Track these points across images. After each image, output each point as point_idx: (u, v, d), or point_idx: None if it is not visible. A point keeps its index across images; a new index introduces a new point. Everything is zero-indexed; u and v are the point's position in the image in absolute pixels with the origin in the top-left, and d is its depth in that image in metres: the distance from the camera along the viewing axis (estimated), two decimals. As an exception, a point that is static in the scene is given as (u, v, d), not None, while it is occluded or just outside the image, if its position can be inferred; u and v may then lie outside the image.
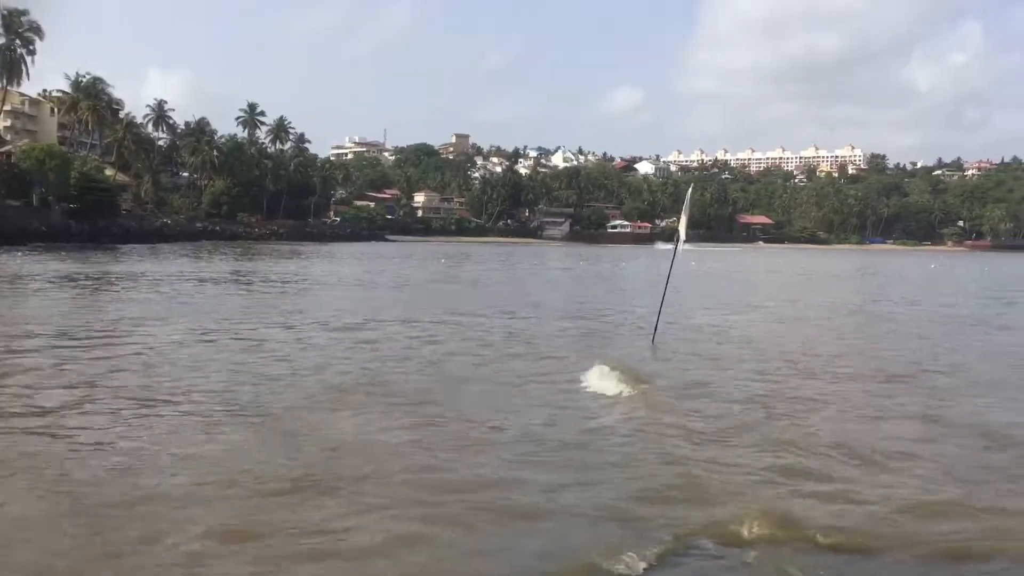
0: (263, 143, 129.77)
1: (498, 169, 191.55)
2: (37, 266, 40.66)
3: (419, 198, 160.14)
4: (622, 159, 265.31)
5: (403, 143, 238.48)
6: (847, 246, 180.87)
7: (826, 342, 20.92)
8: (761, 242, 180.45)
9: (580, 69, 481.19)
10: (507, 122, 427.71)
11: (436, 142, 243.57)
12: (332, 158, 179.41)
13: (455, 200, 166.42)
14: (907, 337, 22.22)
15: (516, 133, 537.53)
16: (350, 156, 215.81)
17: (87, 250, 58.82)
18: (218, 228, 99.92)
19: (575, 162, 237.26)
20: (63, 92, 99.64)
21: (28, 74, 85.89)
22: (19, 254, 49.52)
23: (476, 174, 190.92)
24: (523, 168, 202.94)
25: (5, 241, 56.27)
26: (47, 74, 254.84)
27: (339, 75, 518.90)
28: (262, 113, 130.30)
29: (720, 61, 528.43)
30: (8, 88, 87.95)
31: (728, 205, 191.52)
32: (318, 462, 8.91)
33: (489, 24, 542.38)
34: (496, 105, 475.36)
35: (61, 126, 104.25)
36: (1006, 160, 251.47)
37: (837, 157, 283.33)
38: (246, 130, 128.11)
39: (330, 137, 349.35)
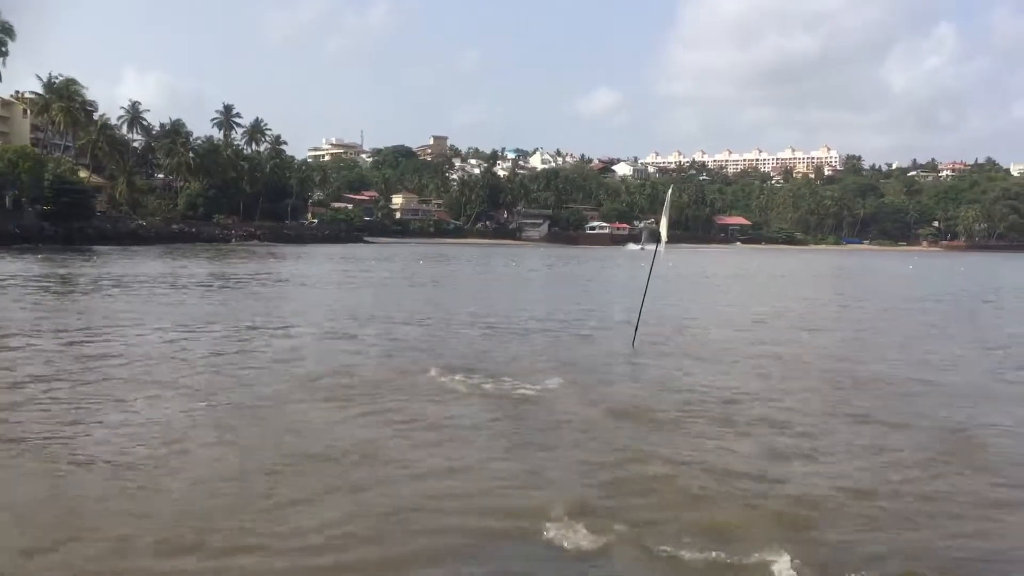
0: (239, 145, 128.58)
1: (476, 171, 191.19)
2: (10, 266, 40.06)
3: (397, 200, 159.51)
4: (600, 160, 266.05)
5: (380, 145, 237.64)
6: (824, 246, 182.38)
7: (802, 348, 20.99)
8: (739, 243, 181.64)
9: (557, 71, 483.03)
10: (485, 124, 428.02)
11: (414, 144, 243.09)
12: (309, 160, 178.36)
13: (433, 202, 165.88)
14: (881, 343, 22.36)
15: (494, 135, 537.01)
16: (327, 158, 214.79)
17: (61, 252, 58.03)
18: (194, 230, 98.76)
19: (553, 164, 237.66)
20: (36, 93, 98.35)
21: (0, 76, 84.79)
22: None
23: (454, 176, 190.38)
24: (501, 170, 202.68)
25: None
26: (19, 75, 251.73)
27: (315, 76, 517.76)
28: (238, 115, 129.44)
29: (697, 63, 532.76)
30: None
31: (706, 206, 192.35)
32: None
33: (467, 25, 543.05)
34: (474, 107, 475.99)
35: (34, 128, 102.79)
36: (979, 161, 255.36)
37: (813, 158, 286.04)
38: (222, 131, 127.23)
39: (307, 139, 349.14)
